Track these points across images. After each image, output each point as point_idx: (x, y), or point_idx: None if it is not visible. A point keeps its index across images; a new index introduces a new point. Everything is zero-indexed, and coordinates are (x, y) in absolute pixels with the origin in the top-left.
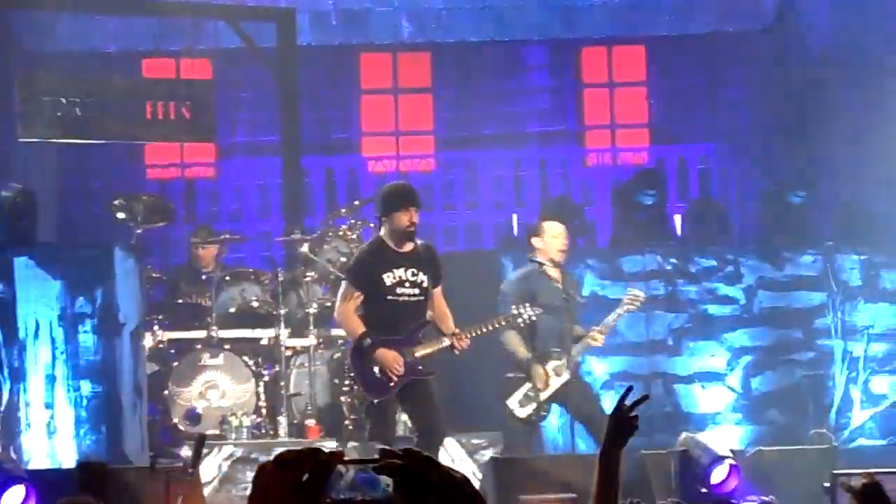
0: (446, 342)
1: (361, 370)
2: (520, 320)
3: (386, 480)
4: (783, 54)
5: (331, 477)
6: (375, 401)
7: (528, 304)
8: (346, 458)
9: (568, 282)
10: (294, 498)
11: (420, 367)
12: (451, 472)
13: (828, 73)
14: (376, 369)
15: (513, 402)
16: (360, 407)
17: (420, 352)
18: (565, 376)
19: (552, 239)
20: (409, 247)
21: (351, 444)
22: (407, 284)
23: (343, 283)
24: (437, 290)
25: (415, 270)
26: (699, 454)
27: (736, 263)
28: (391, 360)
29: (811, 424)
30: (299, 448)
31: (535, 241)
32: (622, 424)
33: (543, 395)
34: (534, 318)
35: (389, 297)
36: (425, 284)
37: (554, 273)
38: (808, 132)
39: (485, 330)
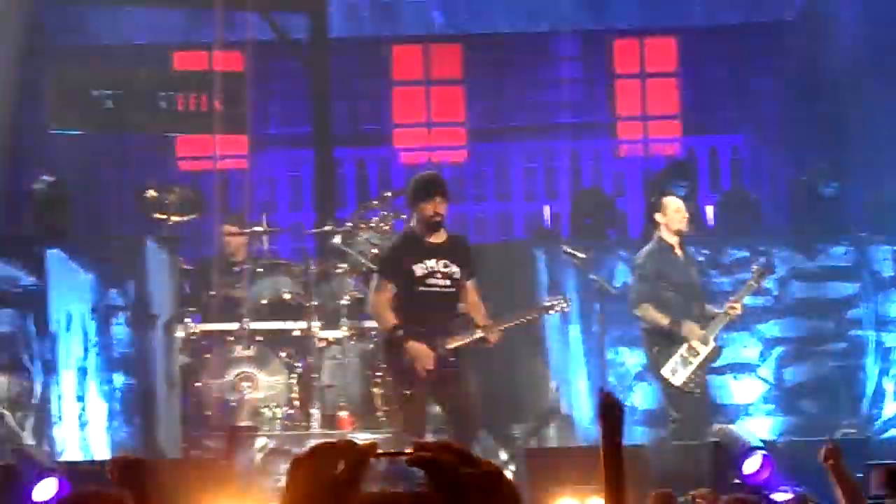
0: (479, 334)
1: (393, 362)
2: (552, 311)
3: (418, 473)
4: (813, 44)
5: (364, 469)
6: (408, 392)
7: (561, 296)
8: (378, 451)
9: (689, 258)
10: (328, 490)
11: (452, 359)
12: (485, 465)
13: (858, 64)
14: (408, 361)
15: (667, 371)
16: (393, 398)
17: (452, 344)
18: (712, 344)
19: (675, 214)
20: (440, 238)
21: (383, 435)
22: (438, 275)
23: (375, 275)
24: (470, 283)
25: (446, 262)
26: (732, 445)
27: (768, 254)
28: (422, 352)
29: (843, 415)
30: (334, 440)
31: (657, 216)
32: (612, 411)
33: (696, 361)
34: (566, 309)
35: (421, 288)
36: (457, 276)
37: (678, 250)
38: (840, 123)
39: (518, 322)
